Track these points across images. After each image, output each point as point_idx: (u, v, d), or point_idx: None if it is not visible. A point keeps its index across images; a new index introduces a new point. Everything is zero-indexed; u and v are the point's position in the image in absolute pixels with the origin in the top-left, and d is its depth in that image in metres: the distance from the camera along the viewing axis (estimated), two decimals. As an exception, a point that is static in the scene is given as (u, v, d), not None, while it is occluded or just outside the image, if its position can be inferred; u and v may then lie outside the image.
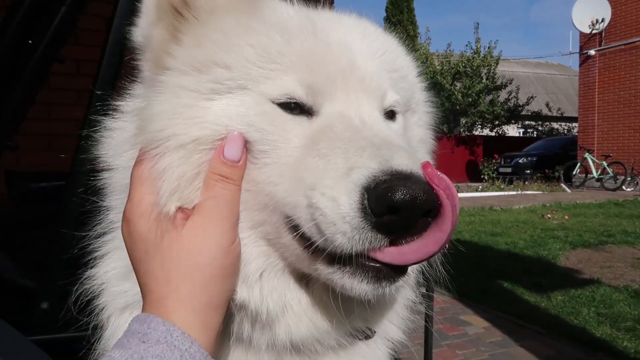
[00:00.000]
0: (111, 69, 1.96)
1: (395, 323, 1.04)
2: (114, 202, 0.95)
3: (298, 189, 0.77)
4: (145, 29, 0.91)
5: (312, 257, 0.78)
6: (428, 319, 3.44)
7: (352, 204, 0.70)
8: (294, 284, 0.85)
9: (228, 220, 0.76)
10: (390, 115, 0.97)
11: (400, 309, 1.05)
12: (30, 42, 1.99)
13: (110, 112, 0.97)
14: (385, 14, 18.57)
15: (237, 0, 0.91)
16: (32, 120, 4.15)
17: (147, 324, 0.68)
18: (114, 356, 0.66)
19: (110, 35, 2.05)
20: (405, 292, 1.05)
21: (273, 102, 0.84)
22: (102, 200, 0.97)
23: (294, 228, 0.78)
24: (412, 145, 1.02)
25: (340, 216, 0.70)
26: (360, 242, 0.70)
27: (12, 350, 1.34)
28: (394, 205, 0.68)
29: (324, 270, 0.77)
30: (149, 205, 0.77)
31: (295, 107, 0.84)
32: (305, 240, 0.78)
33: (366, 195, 0.69)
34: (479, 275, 6.69)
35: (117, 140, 0.93)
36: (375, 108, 0.90)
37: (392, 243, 0.72)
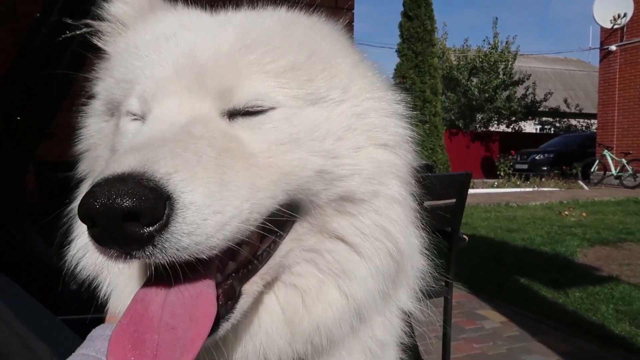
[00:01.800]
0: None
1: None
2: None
3: None
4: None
5: None
6: (447, 307, 3.48)
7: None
8: None
9: None
10: (256, 112, 0.85)
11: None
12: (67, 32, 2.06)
13: None
14: (402, 9, 18.42)
15: (132, 20, 1.05)
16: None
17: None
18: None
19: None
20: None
21: (127, 117, 0.93)
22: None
23: None
24: (324, 137, 0.87)
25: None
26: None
27: (43, 329, 1.38)
28: (88, 216, 0.62)
29: None
30: None
31: (137, 119, 0.92)
32: None
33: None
34: (496, 270, 6.67)
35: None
36: (210, 105, 0.85)
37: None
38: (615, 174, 19.23)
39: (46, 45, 2.04)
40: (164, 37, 0.92)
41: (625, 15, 19.04)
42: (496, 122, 30.52)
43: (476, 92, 28.25)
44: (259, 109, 0.84)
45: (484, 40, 30.18)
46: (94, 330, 0.94)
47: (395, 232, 0.89)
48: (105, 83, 1.00)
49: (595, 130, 23.16)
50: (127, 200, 0.59)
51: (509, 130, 31.46)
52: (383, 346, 0.97)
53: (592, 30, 22.58)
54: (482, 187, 19.06)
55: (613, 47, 19.91)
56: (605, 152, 19.51)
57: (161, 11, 1.04)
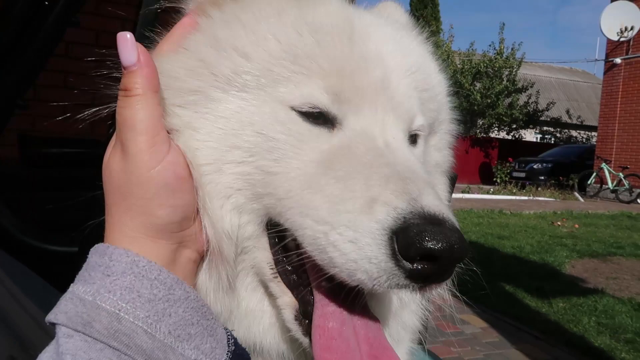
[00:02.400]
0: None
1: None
2: None
3: (307, 213, 0.71)
4: None
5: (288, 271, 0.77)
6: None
7: (380, 248, 0.64)
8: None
9: (137, 138, 0.67)
10: (413, 139, 0.89)
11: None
12: (46, 3, 2.01)
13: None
14: (409, 8, 18.34)
15: None
16: (48, 87, 4.24)
17: (109, 256, 0.65)
18: (76, 291, 0.63)
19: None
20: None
21: (292, 109, 0.76)
22: None
23: (280, 238, 0.75)
24: (428, 171, 0.92)
25: (366, 258, 0.65)
26: (387, 283, 0.65)
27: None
28: (431, 254, 0.63)
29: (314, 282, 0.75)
30: None
31: (318, 116, 0.77)
32: (284, 250, 0.75)
33: (395, 239, 0.64)
34: (482, 276, 6.63)
35: None
36: (401, 130, 0.82)
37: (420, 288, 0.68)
38: (611, 188, 19.22)
39: (23, 15, 1.99)
40: (358, 33, 0.81)
41: (632, 28, 18.98)
42: (497, 129, 30.47)
43: (478, 97, 28.17)
44: (418, 133, 0.90)
45: (490, 45, 30.17)
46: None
47: None
48: (266, 45, 0.77)
49: (594, 143, 23.14)
50: (464, 246, 0.65)
51: (509, 137, 31.42)
52: (406, 330, 1.04)
53: (599, 41, 22.51)
54: (478, 193, 19.04)
55: (618, 60, 19.85)
56: (603, 165, 19.49)
57: None
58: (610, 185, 19.30)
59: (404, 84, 0.84)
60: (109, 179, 0.69)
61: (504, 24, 29.91)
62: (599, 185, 19.80)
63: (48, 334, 1.30)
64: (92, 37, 4.49)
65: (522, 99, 30.20)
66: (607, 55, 20.67)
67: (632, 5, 18.84)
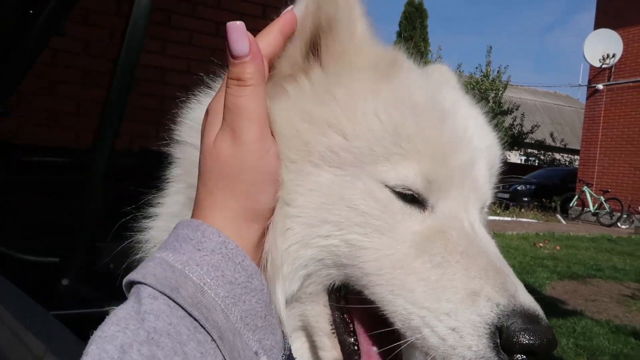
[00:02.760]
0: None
1: None
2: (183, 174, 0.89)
3: (400, 293, 0.74)
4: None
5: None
6: None
7: (482, 338, 0.69)
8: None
9: (251, 127, 0.70)
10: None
11: None
12: (31, 12, 2.02)
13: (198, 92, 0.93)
14: (398, 28, 18.66)
15: (376, 58, 0.81)
16: (34, 94, 4.21)
17: (202, 232, 0.68)
18: (166, 258, 0.65)
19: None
20: None
21: (386, 186, 0.76)
22: (165, 172, 0.94)
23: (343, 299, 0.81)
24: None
25: (466, 346, 0.69)
26: None
27: (35, 324, 1.37)
28: (532, 350, 0.68)
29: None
30: None
31: (409, 197, 0.77)
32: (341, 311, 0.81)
33: (498, 334, 0.69)
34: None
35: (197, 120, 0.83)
36: (477, 210, 0.85)
37: None
38: (592, 211, 19.52)
39: (6, 22, 1.99)
40: (448, 112, 0.82)
41: (614, 55, 19.50)
42: (482, 149, 30.85)
43: (465, 118, 28.53)
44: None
45: (477, 68, 30.64)
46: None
47: None
48: (368, 124, 0.76)
49: (577, 166, 23.54)
50: (555, 340, 0.71)
51: (494, 158, 31.81)
52: None
53: (583, 67, 23.08)
54: (462, 212, 19.15)
55: (600, 86, 20.35)
56: (585, 188, 19.82)
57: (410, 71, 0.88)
58: (591, 208, 19.60)
59: (483, 165, 0.86)
60: (216, 163, 0.71)
61: (491, 47, 30.62)
62: (580, 207, 20.10)
63: (22, 342, 1.28)
64: (80, 46, 4.50)
65: (508, 121, 30.71)
66: (589, 81, 21.18)
67: (614, 33, 19.39)
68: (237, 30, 0.70)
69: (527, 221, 18.24)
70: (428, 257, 0.74)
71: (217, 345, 0.62)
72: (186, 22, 5.01)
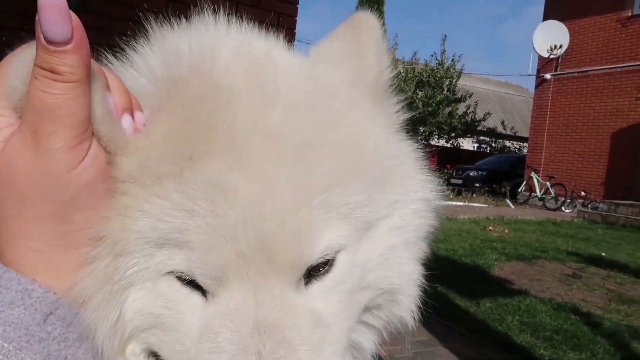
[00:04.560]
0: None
1: None
2: None
3: None
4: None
5: None
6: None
7: None
8: None
9: (61, 132, 0.54)
10: (323, 265, 0.74)
11: None
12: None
13: None
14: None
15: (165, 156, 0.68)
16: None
17: None
18: None
19: None
20: None
21: (169, 275, 0.69)
22: None
23: None
24: (373, 268, 0.79)
25: None
26: None
27: None
28: None
29: None
30: None
31: (195, 285, 0.70)
32: None
33: None
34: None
35: None
36: (285, 282, 0.72)
37: None
38: (539, 196, 20.40)
39: None
40: (214, 186, 0.67)
41: (561, 46, 20.30)
42: (437, 137, 31.58)
43: (420, 105, 29.10)
44: (329, 257, 0.72)
45: (432, 56, 31.17)
46: None
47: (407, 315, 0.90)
48: (136, 223, 0.68)
49: (526, 153, 24.49)
50: None
51: (448, 145, 32.66)
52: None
53: (532, 58, 23.90)
54: (417, 198, 19.62)
55: (548, 76, 21.15)
56: (533, 174, 20.66)
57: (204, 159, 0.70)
58: (538, 193, 20.47)
59: (290, 230, 0.69)
60: (7, 179, 0.54)
61: (445, 36, 31.15)
62: (528, 193, 20.96)
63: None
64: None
65: (461, 108, 31.52)
66: (538, 71, 21.97)
67: (561, 25, 20.16)
68: (54, 9, 0.52)
69: (479, 206, 18.88)
70: (208, 347, 0.68)
71: None
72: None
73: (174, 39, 0.78)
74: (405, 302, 0.85)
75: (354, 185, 0.72)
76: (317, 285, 0.73)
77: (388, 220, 0.79)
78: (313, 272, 0.72)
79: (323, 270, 0.73)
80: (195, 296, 0.70)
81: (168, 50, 0.76)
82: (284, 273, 0.70)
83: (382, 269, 0.79)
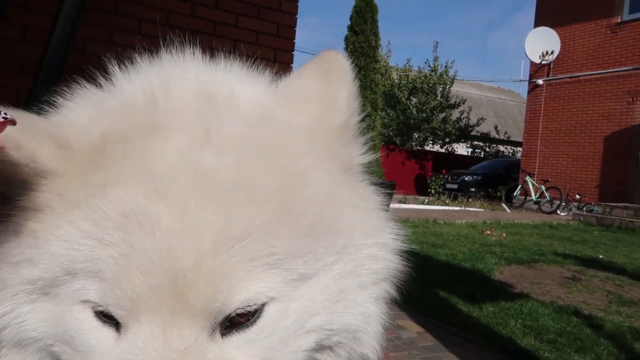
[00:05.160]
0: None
1: None
2: None
3: None
4: None
5: None
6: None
7: None
8: None
9: None
10: (246, 316, 0.71)
11: None
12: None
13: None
14: (349, 22, 18.78)
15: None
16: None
17: None
18: None
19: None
20: None
21: (85, 304, 0.69)
22: None
23: None
24: (317, 312, 0.76)
25: None
26: None
27: None
28: None
29: None
30: None
31: (107, 315, 0.68)
32: None
33: None
34: (419, 282, 6.84)
35: None
36: (197, 326, 0.68)
37: None
38: (534, 200, 20.50)
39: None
40: (127, 215, 0.67)
41: (552, 52, 20.51)
42: (431, 142, 31.74)
43: (414, 112, 29.27)
44: (252, 309, 0.70)
45: (425, 63, 31.49)
46: None
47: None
48: (49, 248, 0.68)
49: (520, 157, 24.64)
50: None
51: (443, 150, 32.80)
52: None
53: (524, 64, 24.14)
54: (414, 203, 19.67)
55: (540, 81, 21.34)
56: (527, 178, 20.77)
57: (110, 161, 0.71)
58: (533, 197, 20.58)
59: (205, 271, 0.66)
60: None
61: (437, 43, 31.38)
62: (523, 197, 21.05)
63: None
64: (19, 33, 4.24)
65: (455, 114, 31.71)
66: (530, 77, 22.16)
67: (553, 32, 20.39)
68: None
69: (475, 210, 18.95)
70: None
71: None
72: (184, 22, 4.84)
73: (134, 77, 0.84)
74: (367, 340, 0.85)
75: (282, 235, 0.70)
76: (238, 337, 0.70)
77: (337, 266, 0.78)
78: (235, 322, 0.69)
79: (247, 322, 0.70)
80: (107, 331, 0.69)
81: (121, 91, 0.83)
82: (196, 316, 0.68)
83: (329, 312, 0.77)
